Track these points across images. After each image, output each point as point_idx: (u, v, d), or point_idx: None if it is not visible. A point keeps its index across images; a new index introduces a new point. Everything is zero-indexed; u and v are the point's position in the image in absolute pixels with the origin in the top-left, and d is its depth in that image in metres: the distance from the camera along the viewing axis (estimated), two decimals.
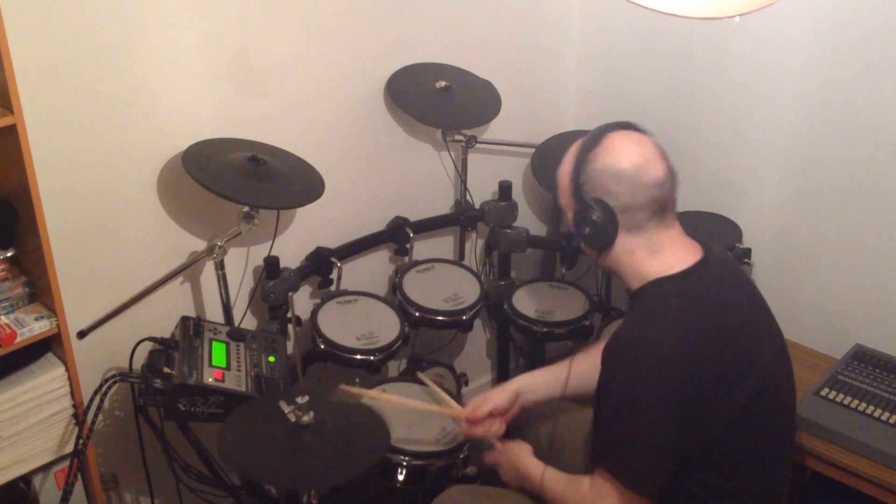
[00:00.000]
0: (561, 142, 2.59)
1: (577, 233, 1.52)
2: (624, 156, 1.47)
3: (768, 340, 1.56)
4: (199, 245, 2.12)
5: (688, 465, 1.49)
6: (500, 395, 1.82)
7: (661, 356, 1.42)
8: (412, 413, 2.09)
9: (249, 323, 2.28)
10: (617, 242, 1.50)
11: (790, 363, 1.61)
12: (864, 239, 2.23)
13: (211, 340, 1.91)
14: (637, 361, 1.44)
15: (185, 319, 1.94)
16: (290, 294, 2.12)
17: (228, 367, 1.86)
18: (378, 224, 2.49)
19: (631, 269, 1.53)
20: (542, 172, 2.53)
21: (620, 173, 1.46)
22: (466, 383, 2.64)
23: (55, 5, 1.74)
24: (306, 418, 1.60)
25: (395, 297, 2.35)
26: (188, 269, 2.10)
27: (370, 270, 2.54)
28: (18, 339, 1.66)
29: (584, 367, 1.77)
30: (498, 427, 1.82)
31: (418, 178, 2.57)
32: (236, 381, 1.83)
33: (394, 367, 2.64)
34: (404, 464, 1.94)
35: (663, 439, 1.45)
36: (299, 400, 1.60)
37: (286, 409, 1.60)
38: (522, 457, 1.74)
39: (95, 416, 1.81)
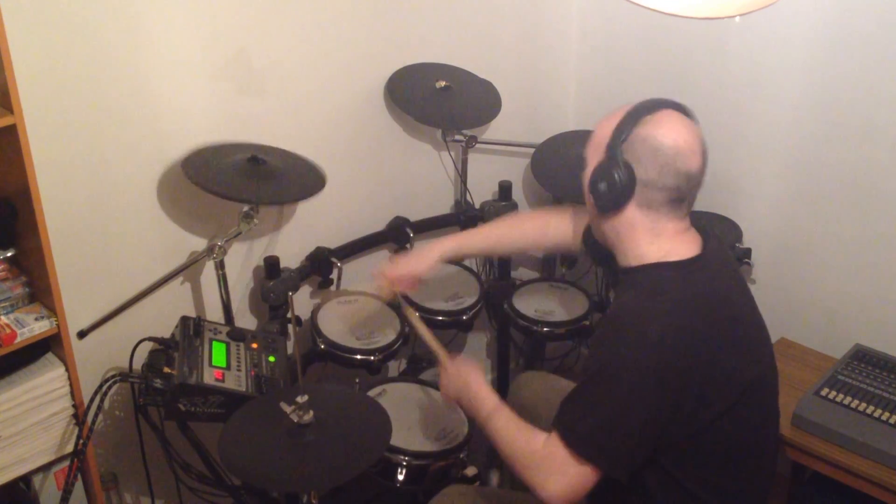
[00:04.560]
0: (561, 142, 2.59)
1: (591, 185, 1.50)
2: (671, 135, 1.45)
3: (759, 336, 1.58)
4: (199, 245, 2.12)
5: (677, 456, 1.49)
6: (421, 265, 1.96)
7: (643, 343, 1.42)
8: (412, 413, 2.10)
9: (249, 323, 2.28)
10: (623, 211, 1.49)
11: (775, 359, 1.63)
12: (865, 239, 2.23)
13: (211, 340, 1.91)
14: (620, 342, 1.45)
15: (185, 319, 1.94)
16: (290, 294, 2.12)
17: (228, 367, 1.86)
18: (378, 224, 2.49)
19: (629, 244, 1.52)
20: (542, 172, 2.52)
21: (659, 149, 1.45)
22: None
23: (55, 5, 1.74)
24: (307, 417, 1.60)
25: (396, 297, 2.35)
26: (188, 269, 2.10)
27: (370, 270, 2.54)
28: (18, 339, 1.66)
29: (514, 228, 2.03)
30: (406, 287, 1.98)
31: (418, 178, 2.57)
32: (236, 381, 1.83)
33: (394, 367, 2.64)
34: (404, 464, 1.94)
35: (627, 421, 1.44)
36: (300, 399, 1.60)
37: (287, 409, 1.60)
38: (476, 377, 1.70)
39: (95, 416, 1.81)
